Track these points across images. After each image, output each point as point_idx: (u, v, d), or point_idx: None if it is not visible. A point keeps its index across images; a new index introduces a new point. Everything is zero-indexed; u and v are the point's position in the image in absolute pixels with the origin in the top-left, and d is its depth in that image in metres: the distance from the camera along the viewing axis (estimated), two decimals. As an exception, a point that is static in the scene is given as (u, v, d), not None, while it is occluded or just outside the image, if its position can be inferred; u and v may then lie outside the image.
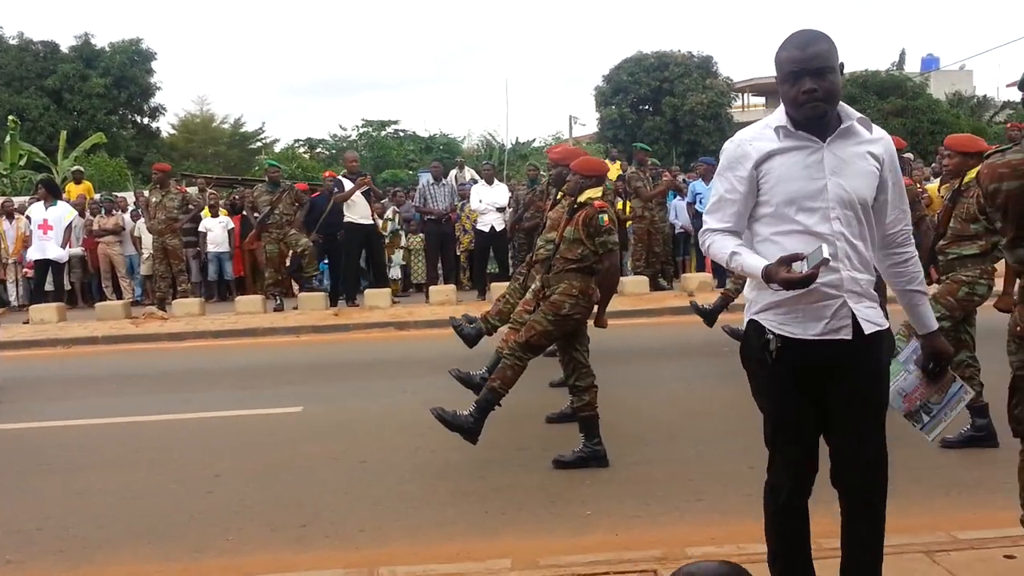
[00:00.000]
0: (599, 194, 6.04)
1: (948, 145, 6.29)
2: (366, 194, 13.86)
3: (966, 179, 5.94)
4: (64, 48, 36.33)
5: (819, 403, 3.19)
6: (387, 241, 15.55)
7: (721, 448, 6.11)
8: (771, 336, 3.07)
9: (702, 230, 3.33)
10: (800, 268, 2.84)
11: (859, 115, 3.05)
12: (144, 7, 77.20)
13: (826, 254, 2.80)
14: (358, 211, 13.81)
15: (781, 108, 3.09)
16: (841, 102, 3.01)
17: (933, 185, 14.96)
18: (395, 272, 15.75)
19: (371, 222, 14.00)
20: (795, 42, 2.97)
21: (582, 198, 6.04)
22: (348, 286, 14.25)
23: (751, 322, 3.18)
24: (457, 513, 5.24)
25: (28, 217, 15.16)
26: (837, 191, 2.97)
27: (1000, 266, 5.26)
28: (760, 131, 3.13)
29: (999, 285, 5.81)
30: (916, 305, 3.25)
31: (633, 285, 13.62)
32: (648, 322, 11.75)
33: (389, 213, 15.85)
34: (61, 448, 6.96)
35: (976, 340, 6.00)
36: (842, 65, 2.97)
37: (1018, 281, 3.58)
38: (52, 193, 15.40)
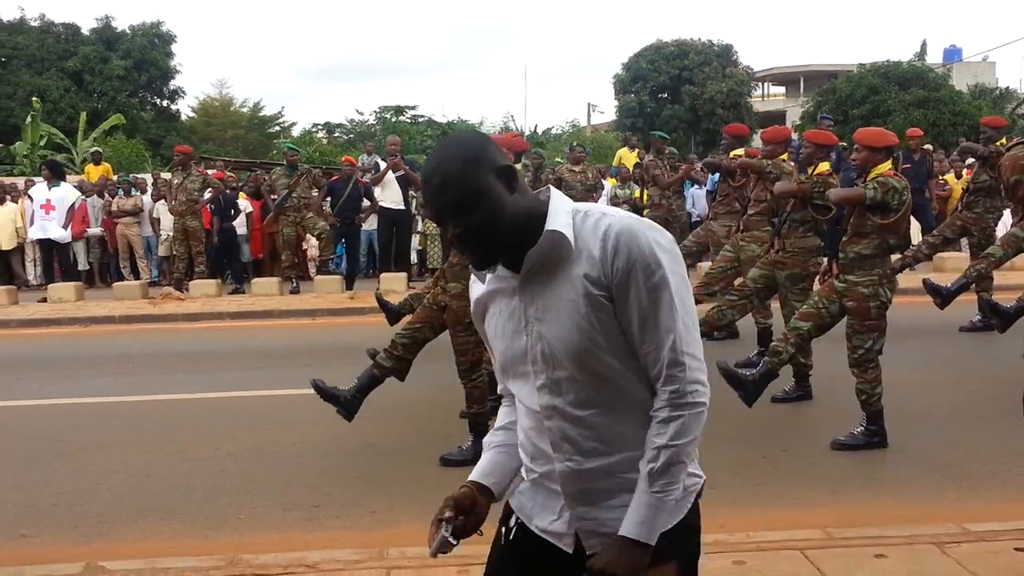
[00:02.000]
0: (888, 167, 5.89)
1: (856, 139, 6.09)
2: (400, 179, 13.87)
3: (872, 174, 5.81)
4: (85, 30, 36.50)
5: None
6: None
7: (735, 436, 6.11)
8: (513, 514, 2.18)
9: None
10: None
11: (573, 214, 1.95)
12: (165, -10, 77.34)
13: (451, 540, 2.11)
14: (390, 195, 13.83)
15: None
16: (554, 203, 1.95)
17: (952, 176, 14.89)
18: (412, 256, 15.78)
19: (402, 207, 14.01)
20: (427, 183, 1.92)
21: (872, 175, 5.88)
22: (380, 269, 14.37)
23: None
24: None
25: (30, 197, 15.25)
26: (538, 346, 1.97)
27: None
28: None
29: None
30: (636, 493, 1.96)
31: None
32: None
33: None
34: (76, 426, 7.02)
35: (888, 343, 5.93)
36: (506, 168, 1.91)
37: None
38: (55, 174, 15.45)
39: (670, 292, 1.90)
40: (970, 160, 11.18)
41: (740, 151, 8.79)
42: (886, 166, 5.82)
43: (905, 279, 9.44)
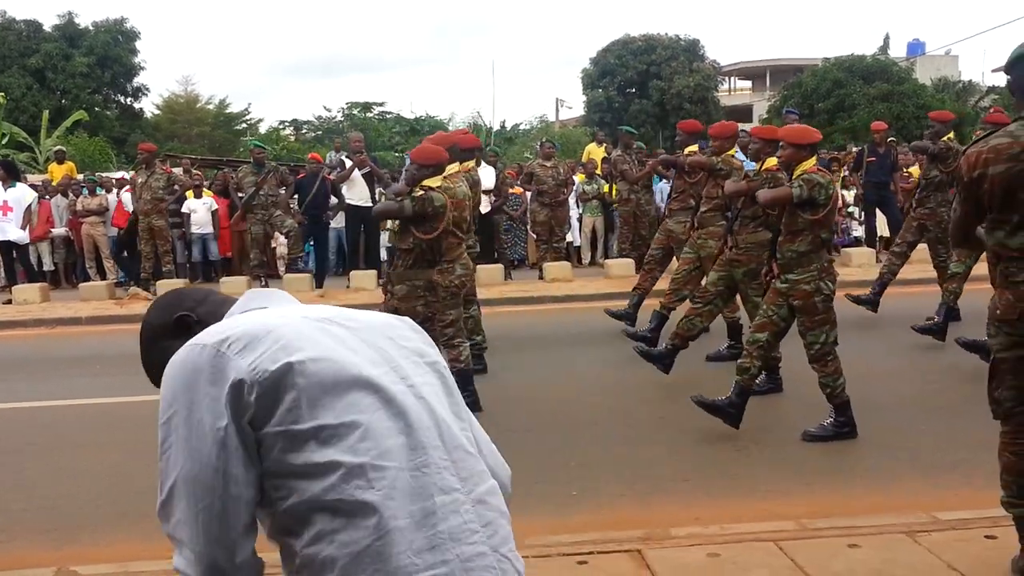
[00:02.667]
0: (438, 183, 5.94)
1: (781, 136, 6.14)
2: (367, 176, 13.82)
3: (796, 172, 5.88)
4: (47, 27, 36.04)
5: None
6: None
7: (708, 429, 6.14)
8: None
9: None
10: None
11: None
12: (128, -14, 76.53)
13: None
14: (357, 193, 13.78)
15: None
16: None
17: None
18: (381, 254, 15.72)
19: (370, 204, 13.95)
20: None
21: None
22: (349, 267, 14.34)
23: None
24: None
25: None
26: None
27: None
28: None
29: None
30: None
31: (619, 268, 13.62)
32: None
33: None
34: (46, 428, 6.94)
35: (844, 336, 5.97)
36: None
37: (999, 266, 3.62)
38: (11, 175, 15.16)
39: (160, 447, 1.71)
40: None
41: (694, 147, 8.82)
42: (811, 163, 5.92)
43: (862, 272, 9.54)
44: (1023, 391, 3.63)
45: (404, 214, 5.77)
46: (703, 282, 7.72)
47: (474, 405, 6.84)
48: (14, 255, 14.93)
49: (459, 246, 6.86)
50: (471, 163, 8.18)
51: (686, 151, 8.90)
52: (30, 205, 14.83)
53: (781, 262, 5.93)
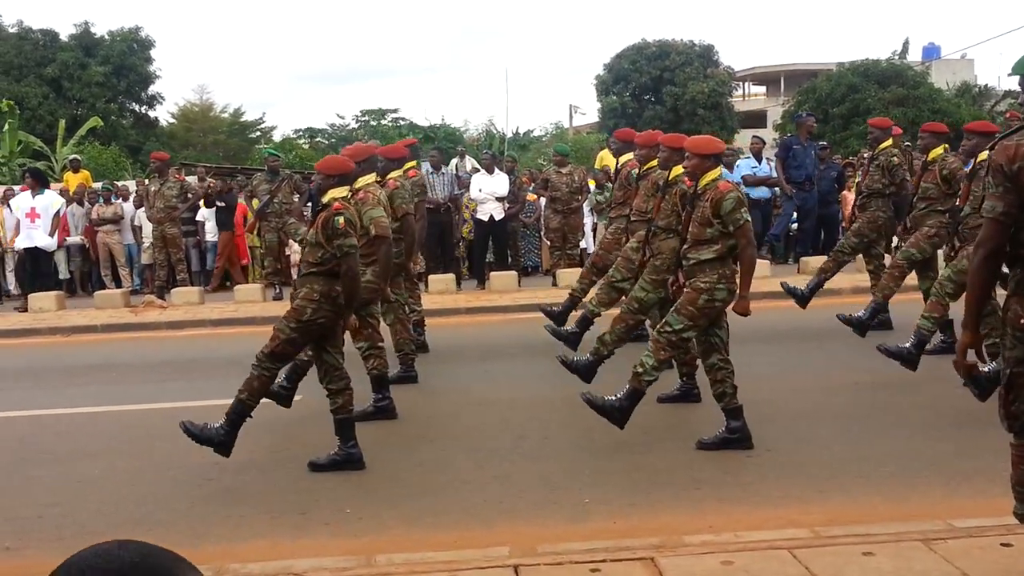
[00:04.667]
0: (343, 194, 5.91)
1: (686, 147, 6.11)
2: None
3: (702, 182, 5.85)
4: (63, 37, 36.24)
5: None
6: None
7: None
8: None
9: None
10: None
11: None
12: (143, -5, 77.00)
13: None
14: None
15: None
16: None
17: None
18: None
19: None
20: None
21: (325, 199, 5.88)
22: None
23: None
24: (455, 502, 5.25)
25: (9, 206, 15.16)
26: None
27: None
28: None
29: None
30: None
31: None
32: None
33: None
34: (60, 436, 6.97)
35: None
36: None
37: (1012, 273, 3.53)
38: (39, 182, 15.34)
39: None
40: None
41: (629, 155, 8.70)
42: (716, 172, 5.89)
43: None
44: None
45: (356, 249, 5.77)
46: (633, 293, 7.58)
47: (388, 411, 6.95)
48: (38, 262, 15.05)
49: (373, 254, 6.85)
50: (399, 172, 8.16)
51: (621, 160, 8.84)
52: (58, 212, 14.95)
53: (686, 268, 5.93)
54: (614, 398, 5.89)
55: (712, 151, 5.94)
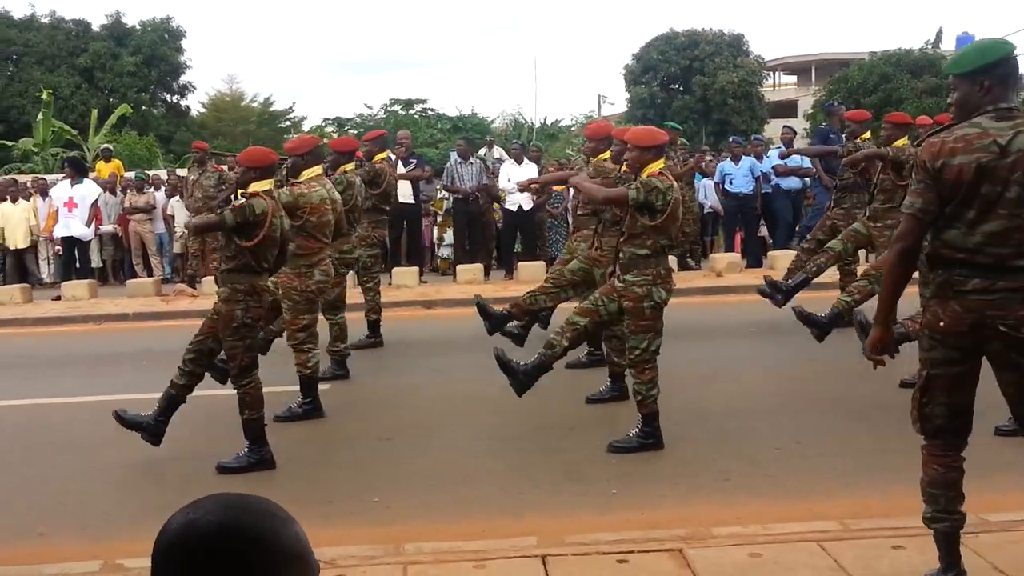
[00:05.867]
0: (266, 187, 5.84)
1: (627, 139, 6.01)
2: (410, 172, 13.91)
3: (644, 174, 5.77)
4: (95, 27, 36.51)
5: None
6: (440, 220, 15.70)
7: (748, 428, 6.09)
8: None
9: None
10: None
11: None
12: (174, -14, 77.45)
13: None
14: (399, 190, 13.85)
15: None
16: None
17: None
18: (445, 251, 15.82)
19: (412, 202, 14.02)
20: None
21: (247, 192, 5.84)
22: (390, 263, 14.45)
23: None
24: (482, 491, 5.26)
25: (48, 195, 15.37)
26: None
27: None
28: None
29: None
30: None
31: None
32: (676, 302, 11.63)
33: (442, 191, 15.88)
34: (86, 423, 7.03)
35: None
36: None
37: (942, 273, 3.47)
38: (78, 171, 15.54)
39: None
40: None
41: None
42: (657, 165, 5.80)
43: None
44: (955, 408, 3.56)
45: (226, 226, 5.67)
46: (567, 266, 7.53)
47: (314, 411, 6.86)
48: (74, 250, 15.25)
49: (321, 251, 6.86)
50: (350, 165, 8.16)
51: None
52: (95, 201, 15.12)
53: (621, 262, 5.86)
54: (633, 433, 5.85)
55: (652, 143, 5.85)
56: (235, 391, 5.83)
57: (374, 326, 9.41)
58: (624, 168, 7.47)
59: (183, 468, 5.88)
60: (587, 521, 4.67)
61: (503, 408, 6.79)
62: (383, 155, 9.41)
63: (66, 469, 5.97)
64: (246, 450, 5.77)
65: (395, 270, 13.88)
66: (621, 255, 5.86)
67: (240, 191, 5.93)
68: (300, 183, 6.82)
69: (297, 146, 7.11)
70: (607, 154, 7.44)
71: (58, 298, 13.79)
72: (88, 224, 15.14)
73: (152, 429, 5.87)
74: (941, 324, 3.45)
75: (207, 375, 6.16)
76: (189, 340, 5.98)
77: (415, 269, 13.89)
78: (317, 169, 7.05)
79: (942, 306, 3.45)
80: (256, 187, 5.79)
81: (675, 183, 5.86)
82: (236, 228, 5.62)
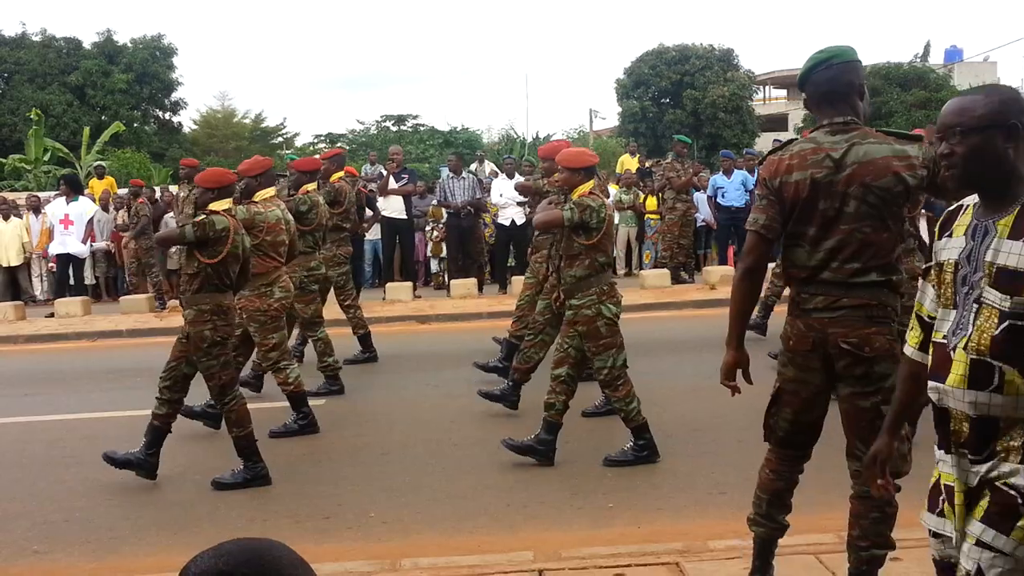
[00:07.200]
0: (226, 206, 5.86)
1: (557, 160, 5.99)
2: (402, 188, 13.93)
3: (574, 195, 5.78)
4: (87, 44, 36.56)
5: None
6: (434, 235, 15.72)
7: (743, 441, 6.09)
8: None
9: None
10: None
11: None
12: (165, 4, 77.61)
13: None
14: (392, 205, 13.88)
15: None
16: None
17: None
18: (435, 265, 15.84)
19: (404, 217, 14.05)
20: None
21: (208, 211, 5.87)
22: (383, 278, 14.49)
23: None
24: (479, 506, 5.26)
25: (35, 212, 15.36)
26: None
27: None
28: None
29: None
30: None
31: (655, 278, 13.60)
32: (670, 315, 11.72)
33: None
34: (86, 440, 7.02)
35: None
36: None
37: (787, 291, 3.53)
38: (74, 189, 15.54)
39: None
40: None
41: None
42: (587, 186, 5.81)
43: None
44: (798, 425, 3.61)
45: (186, 240, 5.67)
46: (535, 313, 7.45)
47: (309, 426, 6.86)
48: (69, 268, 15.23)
49: (277, 270, 6.86)
50: (311, 185, 8.11)
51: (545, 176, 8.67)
52: (91, 218, 15.12)
53: (563, 288, 5.86)
54: (628, 447, 5.87)
55: (581, 164, 5.86)
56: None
57: (365, 340, 9.41)
58: (549, 183, 7.55)
59: (183, 484, 5.87)
60: (583, 535, 4.67)
61: (498, 422, 6.79)
62: (340, 174, 9.42)
63: (71, 486, 5.96)
64: (241, 467, 5.76)
65: (388, 285, 13.89)
66: (563, 280, 5.86)
67: (200, 211, 5.94)
68: (255, 203, 6.82)
69: (250, 167, 7.10)
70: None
71: (51, 315, 13.76)
72: (84, 241, 15.13)
73: (144, 464, 5.85)
74: (790, 342, 3.49)
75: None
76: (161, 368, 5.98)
77: (409, 284, 13.91)
78: (271, 190, 7.07)
79: (791, 324, 3.48)
80: (215, 206, 5.82)
81: (606, 200, 5.88)
82: (196, 243, 5.64)
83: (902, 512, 4.81)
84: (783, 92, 54.50)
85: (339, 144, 41.68)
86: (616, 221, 15.70)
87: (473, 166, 17.46)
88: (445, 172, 15.45)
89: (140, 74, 35.80)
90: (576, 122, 55.62)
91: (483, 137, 41.20)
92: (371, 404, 7.80)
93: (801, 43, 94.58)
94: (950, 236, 2.47)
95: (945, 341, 2.45)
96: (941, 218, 2.55)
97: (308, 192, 7.95)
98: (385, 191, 13.79)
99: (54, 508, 5.54)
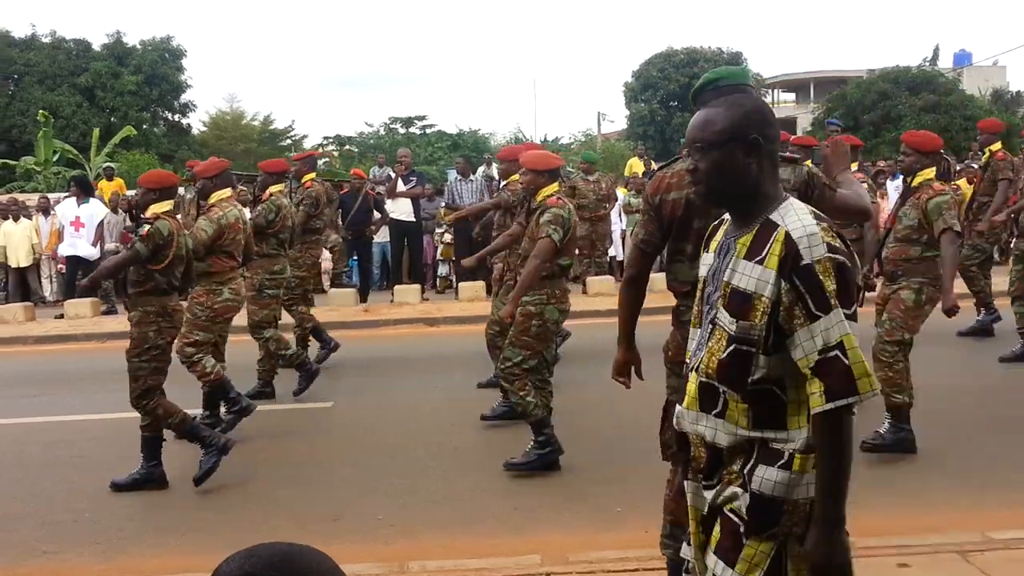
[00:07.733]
0: (166, 208, 5.86)
1: (522, 163, 6.04)
2: (411, 190, 13.96)
3: (539, 197, 5.79)
4: (96, 46, 36.69)
5: None
6: (443, 240, 15.71)
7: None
8: None
9: None
10: None
11: None
12: (174, 5, 77.84)
13: None
14: (400, 207, 13.90)
15: None
16: None
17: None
18: (443, 269, 15.83)
19: (412, 219, 14.06)
20: None
21: (147, 213, 5.85)
22: (392, 281, 14.50)
23: None
24: (486, 509, 5.26)
25: (49, 213, 15.39)
26: None
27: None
28: None
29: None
30: None
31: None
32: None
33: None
34: (94, 441, 7.05)
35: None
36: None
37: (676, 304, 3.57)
38: (85, 191, 15.57)
39: None
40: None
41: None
42: (551, 188, 5.81)
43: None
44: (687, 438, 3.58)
45: (141, 258, 5.67)
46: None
47: (243, 411, 6.72)
48: (79, 271, 15.23)
49: (232, 271, 6.82)
50: (278, 187, 8.03)
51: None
52: (102, 220, 15.15)
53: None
54: (530, 449, 5.80)
55: (546, 167, 5.86)
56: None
57: (316, 332, 9.21)
58: (509, 186, 7.53)
59: (190, 485, 5.87)
60: (591, 539, 4.67)
61: (506, 425, 6.79)
62: (311, 176, 9.39)
63: (79, 487, 5.98)
64: (204, 456, 5.77)
65: (397, 288, 13.91)
66: (518, 278, 5.84)
67: (140, 214, 5.93)
68: (212, 206, 6.79)
69: (206, 169, 7.07)
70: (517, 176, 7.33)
71: (61, 316, 13.80)
72: (94, 244, 15.16)
73: (151, 478, 5.85)
74: (669, 353, 3.60)
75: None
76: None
77: (417, 287, 13.92)
78: (227, 191, 7.00)
79: (672, 336, 3.61)
80: (156, 208, 5.82)
81: (571, 205, 5.89)
82: (150, 256, 5.65)
83: (905, 520, 4.82)
84: (791, 96, 54.44)
85: (348, 147, 41.82)
86: (624, 225, 15.78)
87: (481, 169, 17.47)
88: (453, 175, 15.47)
89: (149, 76, 35.90)
90: (584, 125, 55.60)
91: (491, 140, 41.22)
92: (378, 407, 7.80)
93: (810, 47, 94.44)
94: (707, 251, 2.44)
95: (689, 362, 2.42)
96: (708, 232, 2.52)
97: (273, 195, 7.86)
98: (393, 193, 13.81)
99: (62, 508, 5.56)
